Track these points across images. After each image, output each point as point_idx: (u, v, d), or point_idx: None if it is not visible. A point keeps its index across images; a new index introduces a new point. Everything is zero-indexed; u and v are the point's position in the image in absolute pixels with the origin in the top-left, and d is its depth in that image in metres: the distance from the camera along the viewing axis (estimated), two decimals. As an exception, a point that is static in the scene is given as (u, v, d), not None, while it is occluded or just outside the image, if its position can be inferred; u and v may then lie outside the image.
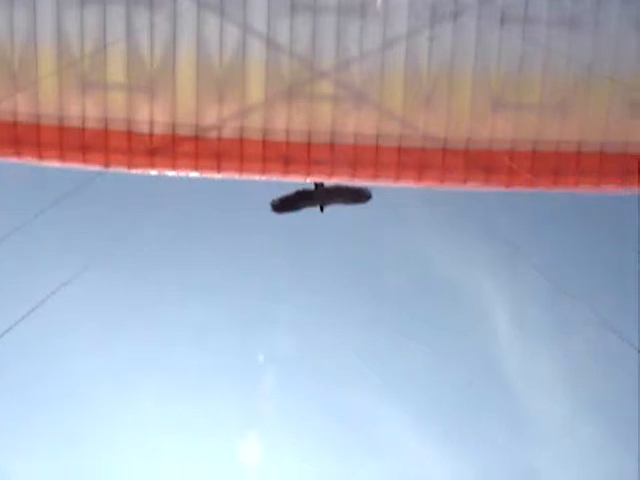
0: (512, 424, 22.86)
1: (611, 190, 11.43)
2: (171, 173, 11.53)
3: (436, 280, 22.08)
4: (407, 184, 11.59)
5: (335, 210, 12.42)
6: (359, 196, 12.44)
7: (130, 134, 11.32)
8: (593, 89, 11.01)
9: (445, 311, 22.31)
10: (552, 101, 11.09)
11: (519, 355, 22.68)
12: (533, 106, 11.12)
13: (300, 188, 12.19)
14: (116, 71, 11.12)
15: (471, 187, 11.51)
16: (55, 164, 11.39)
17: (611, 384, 21.64)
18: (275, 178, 11.65)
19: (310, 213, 12.29)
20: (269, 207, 12.43)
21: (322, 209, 12.21)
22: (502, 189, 11.44)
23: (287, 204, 12.20)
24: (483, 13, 10.99)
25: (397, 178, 11.48)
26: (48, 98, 11.11)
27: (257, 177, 11.62)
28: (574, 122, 11.15)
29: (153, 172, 11.49)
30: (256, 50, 11.13)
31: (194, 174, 11.58)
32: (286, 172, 11.51)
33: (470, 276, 22.09)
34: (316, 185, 12.03)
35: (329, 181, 11.72)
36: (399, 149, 11.34)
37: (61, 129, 11.22)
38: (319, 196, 12.04)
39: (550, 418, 23.05)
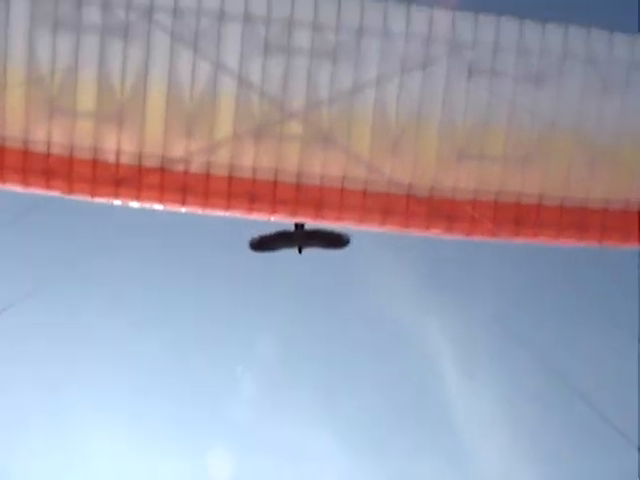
0: (454, 463, 23.15)
1: (569, 243, 11.69)
2: (135, 204, 11.49)
3: (389, 324, 22.40)
4: (371, 228, 11.70)
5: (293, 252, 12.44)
6: (337, 241, 12.42)
7: (95, 162, 11.25)
8: (555, 144, 11.30)
9: (393, 351, 22.65)
10: (515, 154, 11.34)
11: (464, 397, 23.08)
12: (496, 158, 11.36)
13: (280, 229, 12.13)
14: (85, 98, 11.08)
15: (433, 234, 11.66)
16: (17, 188, 11.27)
17: (554, 434, 22.01)
18: (239, 215, 11.67)
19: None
20: (247, 245, 12.33)
21: (300, 251, 12.14)
22: (463, 237, 11.62)
23: (266, 244, 12.13)
24: (451, 65, 11.24)
25: (361, 221, 11.58)
26: (15, 121, 11.00)
27: (221, 213, 11.61)
28: (536, 175, 11.40)
29: (117, 202, 11.44)
30: (227, 87, 11.20)
31: (158, 207, 11.55)
32: (251, 209, 11.53)
33: (420, 320, 22.47)
34: (296, 227, 12.00)
35: (293, 220, 11.77)
36: (364, 193, 11.45)
37: (26, 153, 11.11)
38: (298, 238, 12.01)
39: (489, 461, 23.36)
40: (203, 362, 22.99)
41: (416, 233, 11.68)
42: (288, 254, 12.30)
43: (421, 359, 22.78)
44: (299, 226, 11.93)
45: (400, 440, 23.15)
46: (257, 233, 12.46)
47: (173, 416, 23.19)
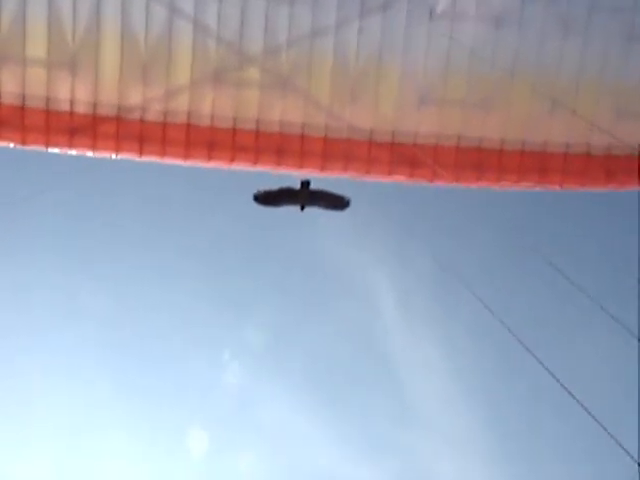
0: (393, 404, 23.66)
1: (530, 187, 11.69)
2: (90, 154, 11.22)
3: (329, 268, 22.62)
4: (332, 174, 11.58)
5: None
6: (339, 203, 12.33)
7: (49, 112, 10.93)
8: (516, 88, 11.20)
9: (335, 296, 22.93)
10: (475, 98, 11.23)
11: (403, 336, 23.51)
12: (457, 102, 11.24)
13: (285, 186, 12.06)
14: (35, 45, 10.71)
15: (395, 180, 11.58)
16: None
17: (492, 369, 22.52)
18: (198, 163, 11.47)
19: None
20: (252, 197, 12.25)
21: (302, 208, 12.14)
22: (425, 183, 11.55)
23: (270, 198, 12.06)
24: (412, 7, 11.04)
25: (322, 168, 11.45)
26: None
27: (180, 161, 11.40)
28: (496, 119, 11.33)
29: (72, 152, 11.17)
30: (183, 32, 10.89)
31: (114, 156, 11.29)
32: (210, 157, 11.33)
33: (360, 262, 22.70)
34: (302, 185, 11.94)
35: (254, 168, 11.59)
36: (325, 139, 11.31)
37: None
38: (302, 196, 11.99)
39: (430, 400, 23.88)
40: (189, 345, 22.99)
41: (378, 179, 11.59)
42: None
43: (362, 301, 23.07)
44: (304, 184, 11.88)
45: (341, 387, 23.54)
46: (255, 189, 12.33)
47: (153, 395, 23.22)
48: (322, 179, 11.86)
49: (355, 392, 23.40)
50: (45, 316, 22.09)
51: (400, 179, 11.56)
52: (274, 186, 12.16)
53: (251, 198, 12.14)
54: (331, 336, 23.12)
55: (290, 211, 12.24)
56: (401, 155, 11.34)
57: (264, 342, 22.99)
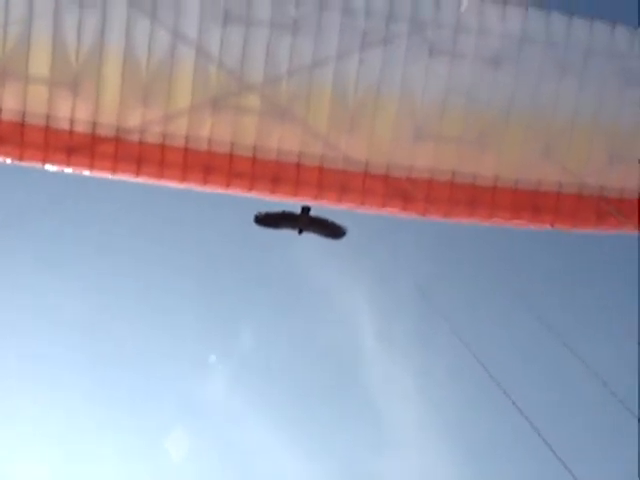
0: (368, 430, 23.71)
1: (523, 225, 11.80)
2: (87, 173, 11.29)
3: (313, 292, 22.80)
4: (326, 204, 11.67)
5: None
6: (336, 232, 12.53)
7: (48, 129, 11.01)
8: (511, 127, 11.34)
9: (316, 318, 23.07)
10: (471, 135, 11.36)
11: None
12: (453, 138, 11.37)
13: (286, 209, 12.27)
14: (39, 64, 10.81)
15: (388, 213, 11.68)
16: None
17: (466, 403, 22.64)
18: (193, 187, 11.55)
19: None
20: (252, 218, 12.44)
21: (300, 232, 12.37)
22: (419, 217, 11.65)
23: (270, 220, 12.27)
24: (412, 43, 11.20)
25: (317, 197, 11.54)
26: None
27: (176, 184, 11.48)
28: (491, 157, 11.45)
29: (68, 170, 11.23)
30: (185, 57, 11.02)
31: (111, 176, 11.37)
32: (206, 182, 11.41)
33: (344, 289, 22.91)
34: (302, 210, 12.15)
35: (249, 194, 11.67)
36: (320, 169, 11.41)
37: None
38: (302, 221, 12.20)
39: (402, 427, 23.95)
40: (176, 347, 23.11)
41: (372, 211, 11.68)
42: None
43: (343, 326, 23.27)
44: (305, 210, 12.09)
45: (318, 411, 23.67)
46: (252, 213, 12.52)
47: (138, 395, 23.30)
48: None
49: (331, 416, 23.55)
50: (28, 320, 22.20)
51: (393, 212, 11.66)
52: (273, 208, 12.30)
53: (245, 217, 12.31)
54: (311, 359, 23.29)
55: (283, 233, 12.43)
56: (395, 188, 11.45)
57: (244, 359, 23.19)
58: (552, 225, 11.72)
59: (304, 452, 23.71)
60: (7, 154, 11.07)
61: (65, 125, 11.02)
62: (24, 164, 11.09)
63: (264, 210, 12.24)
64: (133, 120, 11.09)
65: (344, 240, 12.54)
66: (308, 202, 11.74)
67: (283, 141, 11.31)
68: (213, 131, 11.23)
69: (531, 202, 11.54)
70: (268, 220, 12.23)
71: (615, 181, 11.52)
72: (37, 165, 11.11)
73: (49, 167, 11.13)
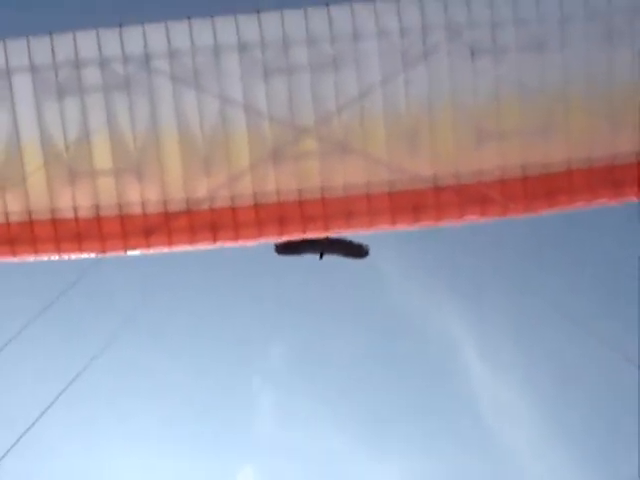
0: (485, 451, 23.02)
1: (605, 204, 11.39)
2: (167, 250, 11.56)
3: (408, 321, 22.55)
4: (404, 227, 11.56)
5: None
6: (358, 251, 12.58)
7: (122, 217, 11.35)
8: (572, 106, 11.05)
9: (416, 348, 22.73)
10: (534, 124, 11.12)
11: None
12: (516, 132, 11.15)
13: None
14: (101, 158, 11.21)
15: (468, 221, 11.47)
16: (52, 257, 11.41)
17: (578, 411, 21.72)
18: (271, 240, 11.66)
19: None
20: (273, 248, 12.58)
21: (321, 257, 12.43)
22: (498, 218, 11.40)
23: (291, 248, 12.37)
24: (453, 49, 11.11)
25: (393, 222, 11.45)
26: (37, 193, 11.18)
27: (253, 242, 11.61)
28: (559, 142, 11.16)
29: (150, 251, 11.52)
30: (236, 118, 11.22)
31: (191, 248, 11.59)
32: (282, 232, 11.50)
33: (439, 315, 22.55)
34: None
35: (326, 234, 11.70)
36: (390, 194, 11.34)
37: (54, 222, 11.27)
38: (322, 245, 12.25)
39: (520, 444, 23.15)
40: (221, 378, 23.29)
41: (450, 223, 11.50)
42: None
43: (441, 350, 22.82)
44: None
45: (426, 434, 23.16)
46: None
47: (201, 437, 23.58)
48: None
49: (439, 444, 23.04)
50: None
51: (472, 219, 11.45)
52: None
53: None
54: (414, 382, 22.96)
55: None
56: (469, 195, 11.26)
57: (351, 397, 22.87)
58: (638, 196, 11.28)
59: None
60: (90, 249, 11.44)
61: (138, 210, 11.34)
62: (107, 255, 11.45)
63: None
64: (200, 190, 11.32)
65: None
66: (386, 229, 11.66)
67: (348, 175, 11.32)
68: (278, 182, 11.34)
69: (610, 178, 11.15)
70: (288, 247, 12.24)
71: None
72: (119, 253, 11.44)
73: (130, 253, 11.45)
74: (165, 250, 11.50)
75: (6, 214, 11.22)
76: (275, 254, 12.55)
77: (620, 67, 10.91)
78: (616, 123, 11.01)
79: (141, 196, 11.32)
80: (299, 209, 11.40)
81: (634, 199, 11.29)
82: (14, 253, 11.32)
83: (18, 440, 9.64)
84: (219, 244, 11.49)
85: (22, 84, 11.04)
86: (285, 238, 11.56)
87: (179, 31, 11.08)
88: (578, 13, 11.00)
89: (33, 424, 9.92)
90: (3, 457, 9.42)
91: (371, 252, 12.67)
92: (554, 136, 11.11)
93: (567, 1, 11.00)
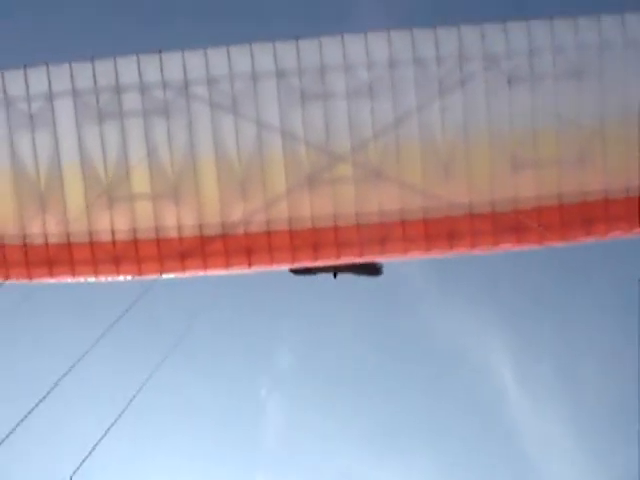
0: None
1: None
2: (202, 273, 11.65)
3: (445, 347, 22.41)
4: (439, 254, 11.54)
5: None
6: (371, 269, 12.65)
7: (159, 241, 11.47)
8: (608, 135, 10.98)
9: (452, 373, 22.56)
10: (570, 153, 11.06)
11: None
12: (552, 160, 11.10)
13: None
14: (139, 182, 11.35)
15: (502, 249, 11.42)
16: (89, 279, 11.56)
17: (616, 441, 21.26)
18: (305, 264, 11.70)
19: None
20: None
21: (335, 276, 12.52)
22: (534, 247, 11.33)
23: (306, 268, 12.48)
24: (489, 77, 11.11)
25: (428, 249, 11.43)
26: (76, 216, 11.35)
27: (288, 266, 11.67)
28: (596, 171, 11.09)
29: (186, 275, 11.62)
30: (273, 143, 11.31)
31: (225, 272, 11.67)
32: (316, 257, 11.53)
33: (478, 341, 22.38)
34: None
35: (359, 260, 11.72)
36: (425, 221, 11.33)
37: (92, 245, 11.42)
38: (335, 264, 12.36)
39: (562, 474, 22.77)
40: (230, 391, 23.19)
41: (485, 251, 11.46)
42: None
43: (480, 377, 22.60)
44: None
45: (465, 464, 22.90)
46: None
47: (214, 453, 23.55)
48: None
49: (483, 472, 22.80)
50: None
51: (507, 247, 11.39)
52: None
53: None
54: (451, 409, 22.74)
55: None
56: (504, 223, 11.21)
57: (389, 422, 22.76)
58: None
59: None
60: (128, 272, 11.57)
61: (174, 233, 11.45)
62: (144, 277, 11.58)
63: None
64: (236, 214, 11.41)
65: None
66: (421, 256, 11.65)
67: (383, 202, 11.34)
68: (313, 207, 11.40)
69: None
70: (304, 268, 12.30)
71: None
72: (155, 275, 11.57)
73: (166, 275, 11.56)
74: (200, 273, 11.60)
75: (45, 236, 11.41)
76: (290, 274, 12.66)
77: None
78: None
79: (177, 220, 11.44)
80: (334, 235, 11.43)
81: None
82: (51, 274, 11.49)
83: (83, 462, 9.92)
84: (254, 268, 11.57)
85: (64, 108, 11.25)
86: (319, 263, 11.61)
87: (218, 58, 11.23)
88: (616, 41, 10.96)
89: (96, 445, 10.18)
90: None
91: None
92: (591, 164, 11.04)
93: (605, 30, 10.97)
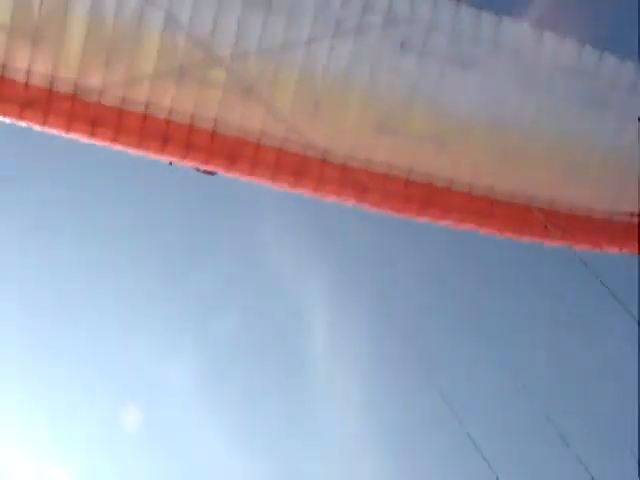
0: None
1: (470, 229, 11.97)
2: (39, 129, 10.90)
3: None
4: (281, 187, 11.57)
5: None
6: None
7: (2, 79, 10.57)
8: (472, 130, 11.46)
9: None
10: (433, 135, 11.42)
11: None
12: (413, 136, 11.40)
13: None
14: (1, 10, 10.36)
15: (343, 202, 11.66)
16: None
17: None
18: (149, 155, 11.28)
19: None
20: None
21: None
22: (374, 209, 11.67)
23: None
24: (385, 36, 11.16)
25: (272, 179, 11.43)
26: None
27: (130, 150, 11.19)
28: (448, 159, 11.55)
29: (21, 124, 10.82)
30: (154, 22, 10.70)
31: (63, 134, 11.00)
32: (162, 151, 11.16)
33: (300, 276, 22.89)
34: None
35: (204, 167, 11.47)
36: (279, 150, 11.29)
37: None
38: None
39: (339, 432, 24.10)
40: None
41: (327, 199, 11.64)
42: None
43: (293, 313, 23.26)
44: None
45: (263, 401, 23.60)
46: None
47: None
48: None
49: (273, 410, 23.49)
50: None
51: (346, 201, 11.64)
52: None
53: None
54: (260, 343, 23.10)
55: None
56: (351, 178, 11.41)
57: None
58: (500, 232, 11.95)
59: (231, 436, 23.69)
60: None
61: (21, 77, 10.60)
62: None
63: None
64: (94, 80, 10.73)
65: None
66: (263, 182, 11.62)
67: (245, 119, 11.13)
68: (174, 100, 10.96)
69: (484, 207, 11.71)
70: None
71: None
72: (-11, 115, 10.67)
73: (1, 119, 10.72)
74: (37, 128, 10.85)
75: None
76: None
77: (528, 110, 11.43)
78: (504, 160, 11.57)
79: (29, 65, 10.57)
80: (186, 134, 11.09)
81: (496, 233, 11.95)
82: None
83: None
84: (95, 141, 11.00)
85: None
86: (164, 158, 11.24)
87: None
88: (507, 45, 11.40)
89: None
90: None
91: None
92: (445, 150, 11.47)
93: (502, 31, 11.36)
